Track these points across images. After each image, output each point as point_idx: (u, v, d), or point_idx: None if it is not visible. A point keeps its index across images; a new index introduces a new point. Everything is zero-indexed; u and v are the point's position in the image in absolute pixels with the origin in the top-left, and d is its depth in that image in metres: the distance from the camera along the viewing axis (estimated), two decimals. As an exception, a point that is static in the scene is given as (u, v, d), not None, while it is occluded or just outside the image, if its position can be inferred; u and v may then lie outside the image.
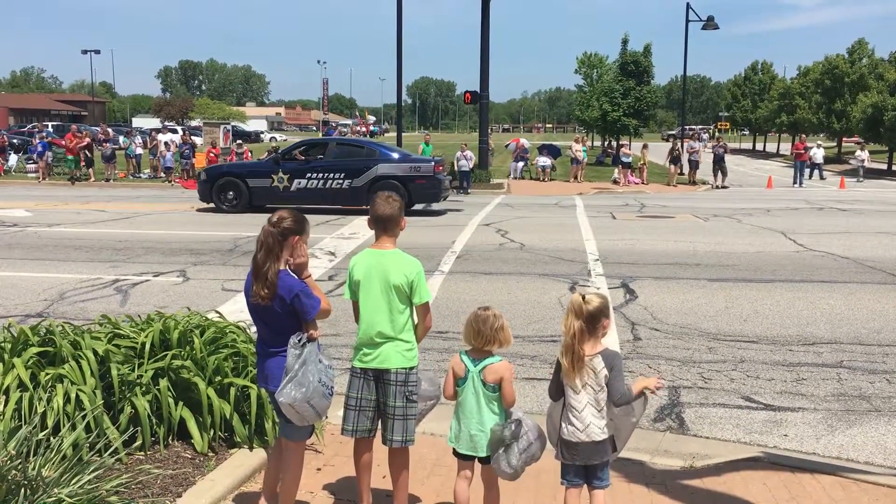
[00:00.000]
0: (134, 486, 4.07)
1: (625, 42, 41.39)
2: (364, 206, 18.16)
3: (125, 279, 10.47)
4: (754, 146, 75.77)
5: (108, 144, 28.81)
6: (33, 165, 29.46)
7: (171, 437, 4.70)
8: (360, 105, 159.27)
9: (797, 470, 4.86)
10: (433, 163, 18.88)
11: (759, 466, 4.93)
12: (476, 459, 3.90)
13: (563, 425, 3.73)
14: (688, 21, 36.17)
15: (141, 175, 30.11)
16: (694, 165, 30.23)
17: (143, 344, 4.89)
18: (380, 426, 4.01)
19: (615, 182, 29.27)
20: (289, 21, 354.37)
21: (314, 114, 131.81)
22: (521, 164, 32.22)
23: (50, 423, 4.22)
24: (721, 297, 9.60)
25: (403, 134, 33.93)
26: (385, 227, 3.98)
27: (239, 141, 33.78)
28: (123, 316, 5.64)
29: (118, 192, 25.23)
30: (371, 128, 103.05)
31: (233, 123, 49.69)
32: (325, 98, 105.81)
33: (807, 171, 33.69)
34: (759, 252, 13.04)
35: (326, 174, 18.29)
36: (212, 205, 18.87)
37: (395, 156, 18.89)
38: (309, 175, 18.33)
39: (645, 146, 31.05)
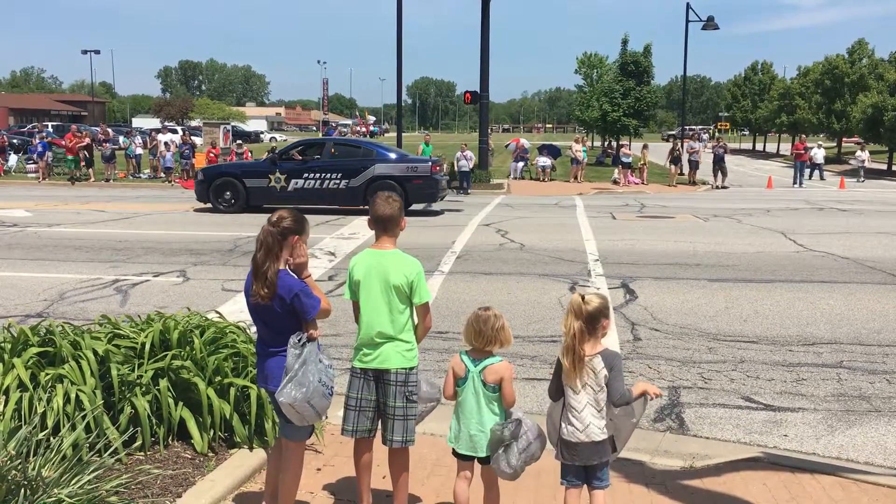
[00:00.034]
0: (134, 487, 4.07)
1: (625, 42, 41.42)
2: (361, 206, 18.21)
3: (125, 279, 10.47)
4: (754, 146, 75.79)
5: (107, 144, 28.81)
6: (33, 165, 29.46)
7: (170, 438, 4.70)
8: (360, 105, 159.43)
9: (797, 470, 4.86)
10: (430, 163, 18.89)
11: (759, 467, 4.93)
12: (476, 460, 3.90)
13: (563, 425, 3.73)
14: (688, 21, 36.20)
15: (141, 175, 30.11)
16: (694, 166, 30.23)
17: (143, 344, 4.89)
18: (380, 426, 4.01)
19: (615, 182, 29.28)
20: (289, 21, 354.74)
21: (314, 114, 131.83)
22: (521, 164, 32.22)
23: (50, 423, 4.22)
24: (721, 297, 9.60)
25: (403, 134, 33.93)
26: (385, 227, 3.98)
27: (239, 141, 33.79)
28: (123, 316, 5.64)
29: (118, 192, 25.24)
30: (371, 128, 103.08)
31: (233, 123, 49.68)
32: (325, 98, 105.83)
33: (807, 171, 33.69)
34: (759, 252, 13.05)
35: (323, 174, 18.30)
36: (209, 205, 18.86)
37: (393, 156, 18.90)
38: (306, 175, 18.33)
39: (645, 146, 31.06)
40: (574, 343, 3.61)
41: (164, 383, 4.65)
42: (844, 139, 54.15)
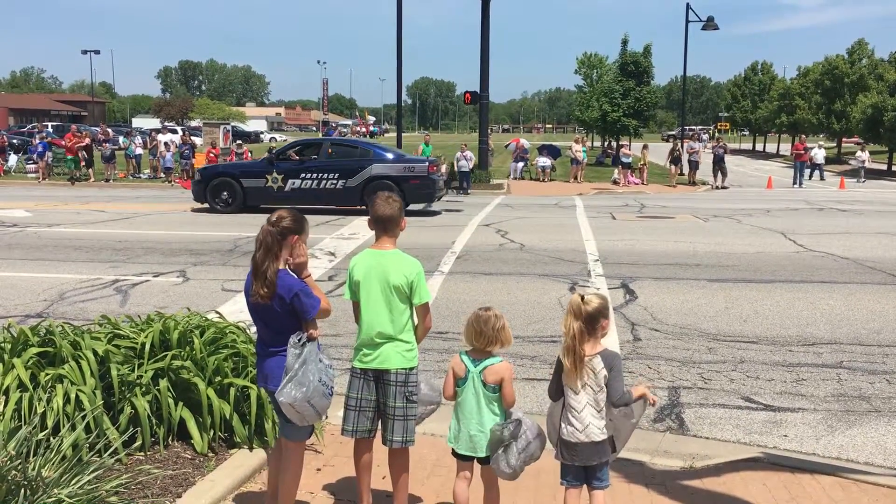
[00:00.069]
0: (134, 487, 4.07)
1: (625, 42, 41.41)
2: (358, 207, 18.22)
3: (125, 279, 10.47)
4: (754, 147, 75.80)
5: (107, 145, 28.81)
6: (33, 166, 29.45)
7: (170, 438, 4.70)
8: (360, 105, 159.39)
9: (797, 470, 4.87)
10: (427, 163, 18.90)
11: (759, 467, 4.93)
12: (475, 460, 3.90)
13: (563, 426, 3.73)
14: (688, 21, 36.21)
15: (141, 175, 30.11)
16: (694, 166, 30.23)
17: (143, 344, 4.89)
18: (380, 427, 4.01)
19: (615, 182, 29.28)
20: (289, 21, 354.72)
21: (314, 114, 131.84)
22: (520, 164, 32.22)
23: (50, 423, 4.22)
24: (721, 297, 9.60)
25: (403, 134, 33.94)
26: (385, 227, 3.99)
27: (239, 141, 33.77)
28: (123, 316, 5.64)
29: (118, 192, 25.24)
30: (371, 128, 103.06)
31: (232, 124, 49.68)
32: (325, 98, 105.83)
33: (807, 171, 33.69)
34: (759, 252, 13.05)
35: (321, 174, 18.30)
36: (206, 205, 18.86)
37: (390, 156, 18.90)
38: (303, 175, 18.33)
39: (645, 146, 31.06)
40: (574, 343, 3.61)
41: (164, 383, 4.66)
42: (844, 139, 54.16)
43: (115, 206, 20.21)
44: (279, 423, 3.99)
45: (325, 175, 18.27)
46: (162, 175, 28.87)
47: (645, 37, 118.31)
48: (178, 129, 49.20)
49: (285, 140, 59.71)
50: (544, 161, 30.96)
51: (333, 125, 79.94)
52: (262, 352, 3.89)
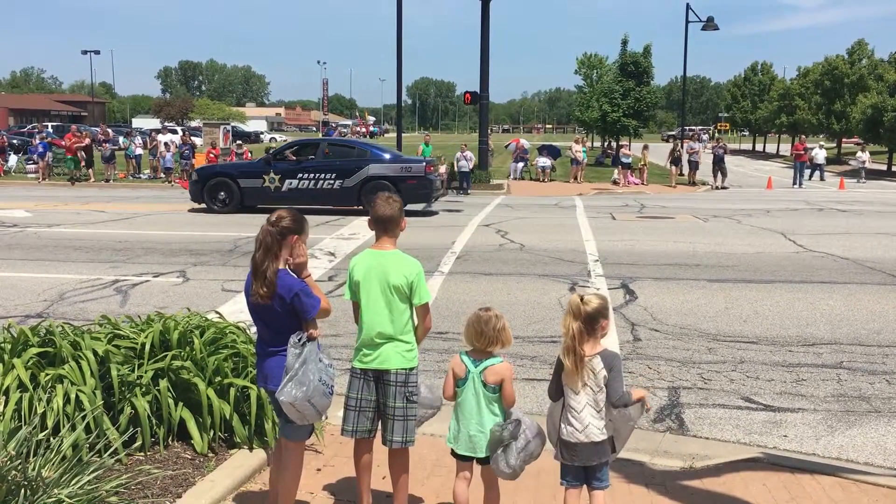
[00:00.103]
0: (134, 487, 4.07)
1: (624, 43, 41.40)
2: (355, 207, 18.24)
3: (125, 280, 10.47)
4: (754, 147, 75.81)
5: (107, 145, 28.81)
6: (33, 166, 29.46)
7: (170, 438, 4.70)
8: (360, 105, 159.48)
9: (797, 471, 4.87)
10: (424, 163, 18.92)
11: (759, 467, 4.93)
12: (474, 460, 3.90)
13: (563, 426, 3.73)
14: (687, 22, 36.23)
15: (141, 176, 30.11)
16: (694, 166, 30.23)
17: (143, 344, 4.89)
18: (380, 427, 4.01)
19: (615, 183, 29.28)
20: (289, 21, 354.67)
21: (314, 114, 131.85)
22: (520, 164, 32.23)
23: (50, 423, 4.22)
24: (721, 297, 9.61)
25: (403, 134, 33.94)
26: (385, 227, 3.99)
27: (239, 141, 33.79)
28: (123, 316, 5.64)
29: (118, 192, 25.24)
30: (371, 128, 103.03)
31: (232, 124, 49.69)
32: (325, 98, 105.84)
33: (807, 171, 33.69)
34: (759, 253, 13.05)
35: (318, 174, 18.32)
36: (203, 205, 18.86)
37: (387, 156, 18.93)
38: (300, 175, 18.34)
39: (646, 147, 31.06)
40: (574, 343, 3.61)
41: (164, 384, 4.66)
42: (844, 140, 54.16)
43: (115, 206, 20.21)
44: (279, 423, 3.99)
45: (322, 175, 18.29)
46: (162, 175, 28.87)
47: (645, 37, 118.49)
48: (178, 129, 49.21)
49: (285, 140, 59.72)
50: (544, 161, 30.97)
51: (333, 125, 79.91)
52: (262, 352, 3.89)
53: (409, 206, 18.40)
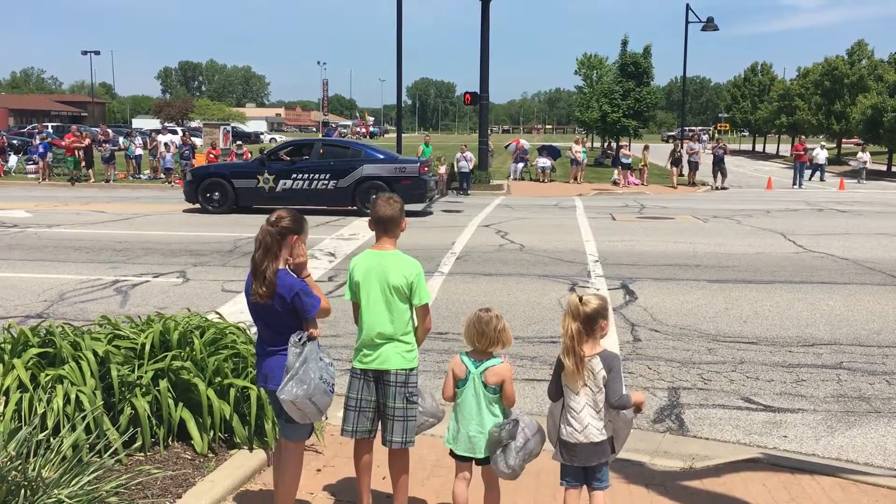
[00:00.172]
0: (134, 487, 4.07)
1: (624, 43, 41.41)
2: (350, 207, 18.25)
3: (125, 280, 10.48)
4: (754, 147, 75.82)
5: (107, 145, 28.80)
6: (33, 166, 29.46)
7: (170, 438, 4.70)
8: (360, 106, 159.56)
9: (797, 471, 4.87)
10: (418, 163, 18.96)
11: (759, 467, 4.93)
12: (473, 461, 3.90)
13: (562, 426, 3.73)
14: (687, 22, 36.26)
15: (141, 176, 30.11)
16: (693, 167, 30.24)
17: (143, 345, 4.90)
18: (380, 427, 4.01)
19: (615, 183, 29.28)
20: (289, 21, 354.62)
21: (314, 115, 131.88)
22: (520, 165, 32.23)
23: (50, 423, 4.22)
24: (721, 298, 9.61)
25: (403, 135, 33.94)
26: (386, 228, 3.99)
27: (239, 142, 33.78)
28: (123, 317, 5.64)
29: (118, 192, 25.24)
30: (371, 129, 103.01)
31: (232, 124, 49.67)
32: (325, 99, 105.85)
33: (808, 172, 33.69)
34: (759, 253, 13.05)
35: (312, 175, 18.33)
36: (197, 205, 18.86)
37: (381, 156, 18.98)
38: (294, 176, 18.35)
39: (646, 147, 31.07)
40: (573, 344, 3.61)
41: (164, 384, 4.66)
42: (844, 140, 54.16)
43: (115, 206, 20.21)
44: (279, 423, 4.00)
45: (317, 175, 18.31)
46: (162, 176, 28.87)
47: (645, 37, 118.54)
48: (178, 129, 49.21)
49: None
50: (544, 162, 30.97)
51: (333, 126, 79.98)
52: (262, 351, 3.90)
53: (408, 207, 18.41)
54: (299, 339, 3.71)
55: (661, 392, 6.35)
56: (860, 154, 36.40)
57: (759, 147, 74.91)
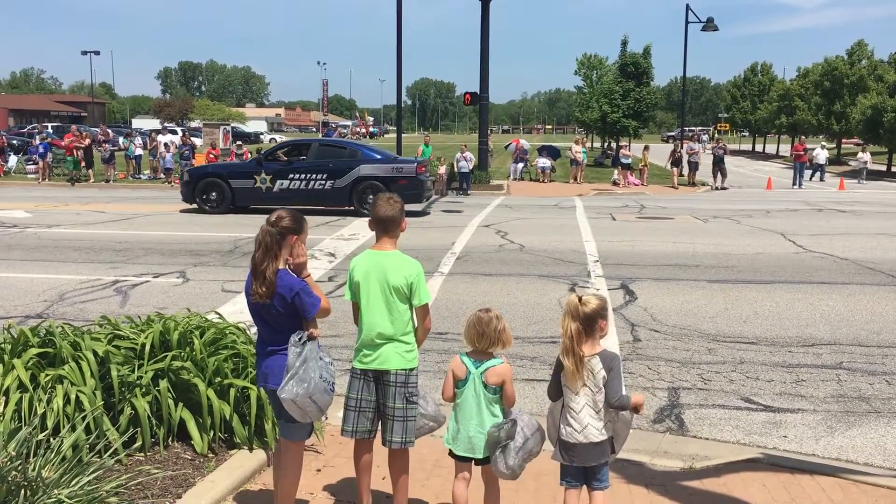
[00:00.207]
0: (134, 487, 4.07)
1: (624, 43, 41.43)
2: (347, 207, 18.26)
3: (125, 280, 10.48)
4: (754, 147, 75.84)
5: (107, 146, 28.81)
6: (33, 167, 29.46)
7: (170, 439, 4.70)
8: (359, 106, 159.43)
9: (796, 471, 4.87)
10: (415, 164, 18.96)
11: (759, 468, 4.93)
12: (472, 461, 3.90)
13: (562, 426, 3.73)
14: (687, 22, 36.24)
15: (141, 176, 30.11)
16: (693, 167, 30.26)
17: (143, 345, 4.90)
18: (380, 427, 4.01)
19: (615, 183, 29.29)
20: (289, 21, 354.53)
21: (314, 115, 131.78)
22: (520, 165, 32.24)
23: (50, 424, 4.22)
24: (721, 298, 9.61)
25: (403, 135, 33.93)
26: (386, 228, 3.99)
27: (239, 142, 33.79)
28: (123, 317, 5.64)
29: (118, 193, 25.25)
30: (371, 129, 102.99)
31: (232, 124, 49.67)
32: (325, 99, 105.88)
33: (808, 172, 33.69)
34: (759, 253, 13.06)
35: (309, 175, 18.34)
36: (194, 205, 18.85)
37: (378, 157, 19.00)
38: (291, 176, 18.36)
39: (646, 147, 31.08)
40: (572, 344, 3.61)
41: (164, 384, 4.66)
42: (844, 140, 54.17)
43: (115, 206, 20.21)
44: (279, 424, 4.00)
45: (314, 175, 18.32)
46: (162, 176, 28.87)
47: (645, 38, 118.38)
48: (178, 129, 49.22)
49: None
50: (544, 162, 30.97)
51: (333, 126, 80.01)
52: (262, 351, 3.90)
53: (406, 207, 18.41)
54: (299, 339, 3.71)
55: (660, 392, 6.35)
56: (861, 154, 36.39)
57: (758, 147, 74.94)
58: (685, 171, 30.59)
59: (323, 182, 18.29)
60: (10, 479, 3.36)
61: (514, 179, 31.16)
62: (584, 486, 3.79)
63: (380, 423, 4.00)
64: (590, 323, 3.63)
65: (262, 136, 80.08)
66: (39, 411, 4.28)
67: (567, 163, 32.11)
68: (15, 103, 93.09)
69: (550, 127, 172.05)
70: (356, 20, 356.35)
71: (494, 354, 3.88)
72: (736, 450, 5.26)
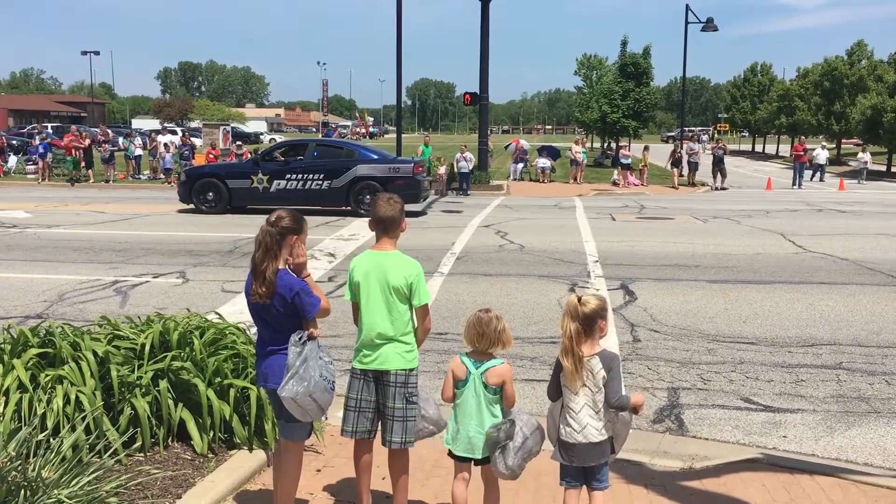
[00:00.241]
0: (134, 488, 4.07)
1: (624, 44, 41.45)
2: (343, 207, 18.27)
3: (124, 280, 10.48)
4: (753, 148, 75.86)
5: (106, 146, 28.81)
6: (33, 167, 29.46)
7: (170, 439, 4.70)
8: (359, 106, 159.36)
9: (796, 471, 4.87)
10: (412, 164, 18.97)
11: (759, 468, 4.94)
12: (472, 461, 3.90)
13: (561, 426, 3.73)
14: (687, 23, 36.23)
15: (140, 176, 30.11)
16: (693, 167, 30.27)
17: (143, 345, 4.90)
18: (380, 427, 4.01)
19: (615, 184, 29.29)
20: (289, 21, 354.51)
21: (314, 115, 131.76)
22: (520, 165, 32.24)
23: (50, 424, 4.22)
24: (720, 298, 9.61)
25: (403, 135, 33.93)
26: (386, 228, 3.99)
27: (238, 142, 33.79)
28: (123, 317, 5.65)
29: (118, 193, 25.24)
30: (371, 129, 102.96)
31: (232, 125, 49.67)
32: (325, 99, 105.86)
33: (808, 172, 33.69)
34: (759, 254, 13.06)
35: (306, 175, 18.36)
36: (191, 206, 18.85)
37: (374, 157, 19.02)
38: (288, 176, 18.37)
39: (646, 148, 31.09)
40: (571, 344, 3.61)
41: (163, 384, 4.66)
42: (843, 141, 54.18)
43: (115, 207, 20.21)
44: (279, 424, 4.00)
45: (311, 176, 18.33)
46: (162, 176, 28.86)
47: (644, 38, 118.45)
48: (178, 130, 49.21)
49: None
50: (544, 162, 30.98)
51: (333, 126, 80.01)
52: (263, 351, 3.91)
53: (407, 207, 18.42)
54: (300, 339, 3.72)
55: (660, 392, 6.35)
56: (861, 154, 36.39)
57: (758, 147, 74.95)
58: (685, 171, 30.60)
59: (320, 182, 18.30)
60: (10, 479, 3.36)
61: (514, 180, 31.16)
62: (584, 487, 3.79)
63: (379, 423, 4.01)
64: (589, 323, 3.63)
65: (261, 137, 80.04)
66: (39, 411, 4.28)
67: (567, 163, 32.11)
68: (15, 103, 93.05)
69: (550, 127, 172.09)
70: (356, 20, 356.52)
71: (494, 355, 3.88)
72: (735, 450, 5.26)
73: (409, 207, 18.84)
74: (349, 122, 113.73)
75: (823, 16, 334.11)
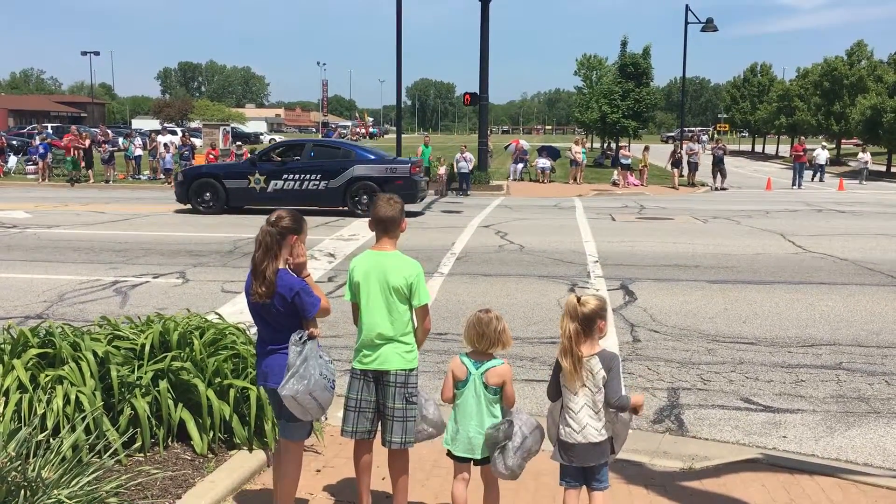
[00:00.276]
0: (133, 488, 4.07)
1: (624, 44, 41.45)
2: (341, 207, 18.27)
3: (124, 280, 10.48)
4: (753, 148, 75.87)
5: (106, 146, 28.80)
6: (33, 167, 29.46)
7: (170, 439, 4.70)
8: (359, 107, 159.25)
9: (796, 471, 4.87)
10: (409, 164, 18.98)
11: (758, 468, 4.94)
12: (472, 461, 3.90)
13: (561, 426, 3.73)
14: (687, 23, 36.23)
15: (140, 177, 30.11)
16: (693, 167, 30.27)
17: (143, 345, 4.90)
18: (380, 428, 4.02)
19: (614, 184, 29.29)
20: (289, 21, 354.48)
21: (314, 115, 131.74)
22: (520, 165, 32.25)
23: (50, 424, 4.22)
24: (720, 298, 9.61)
25: (403, 136, 33.92)
26: (386, 228, 3.99)
27: (238, 143, 33.77)
28: (123, 317, 5.65)
29: (117, 193, 25.24)
30: (370, 129, 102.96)
31: (232, 125, 49.65)
32: (325, 99, 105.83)
33: (808, 172, 33.69)
34: (759, 254, 13.06)
35: (303, 175, 18.36)
36: (188, 206, 18.85)
37: (371, 157, 19.03)
38: (285, 176, 18.38)
39: (646, 148, 31.09)
40: (570, 344, 3.61)
41: (163, 385, 4.66)
42: (843, 141, 54.18)
43: (115, 207, 20.21)
44: (279, 424, 4.00)
45: (308, 176, 18.34)
46: (161, 176, 28.86)
47: (644, 38, 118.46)
48: (178, 130, 49.21)
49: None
50: (544, 162, 30.98)
51: (333, 126, 79.98)
52: (263, 350, 3.91)
53: (407, 207, 18.42)
54: (300, 338, 3.72)
55: (660, 392, 6.35)
56: (861, 155, 36.38)
57: (758, 148, 74.96)
58: (685, 171, 30.59)
59: (317, 182, 18.31)
60: (9, 479, 3.36)
61: (514, 180, 31.17)
62: (584, 487, 3.79)
63: (379, 423, 4.01)
64: (588, 323, 3.63)
65: (261, 137, 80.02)
66: (39, 412, 4.28)
67: (567, 163, 32.11)
68: (15, 104, 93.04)
69: (550, 127, 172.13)
70: (356, 20, 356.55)
71: (494, 355, 3.88)
72: (735, 450, 5.26)
73: (407, 208, 19.01)
74: (349, 123, 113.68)
75: (823, 16, 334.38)
